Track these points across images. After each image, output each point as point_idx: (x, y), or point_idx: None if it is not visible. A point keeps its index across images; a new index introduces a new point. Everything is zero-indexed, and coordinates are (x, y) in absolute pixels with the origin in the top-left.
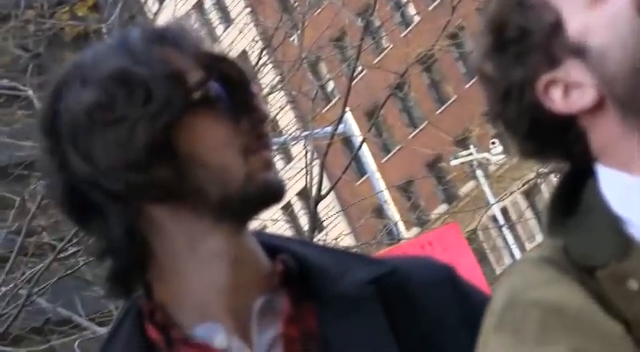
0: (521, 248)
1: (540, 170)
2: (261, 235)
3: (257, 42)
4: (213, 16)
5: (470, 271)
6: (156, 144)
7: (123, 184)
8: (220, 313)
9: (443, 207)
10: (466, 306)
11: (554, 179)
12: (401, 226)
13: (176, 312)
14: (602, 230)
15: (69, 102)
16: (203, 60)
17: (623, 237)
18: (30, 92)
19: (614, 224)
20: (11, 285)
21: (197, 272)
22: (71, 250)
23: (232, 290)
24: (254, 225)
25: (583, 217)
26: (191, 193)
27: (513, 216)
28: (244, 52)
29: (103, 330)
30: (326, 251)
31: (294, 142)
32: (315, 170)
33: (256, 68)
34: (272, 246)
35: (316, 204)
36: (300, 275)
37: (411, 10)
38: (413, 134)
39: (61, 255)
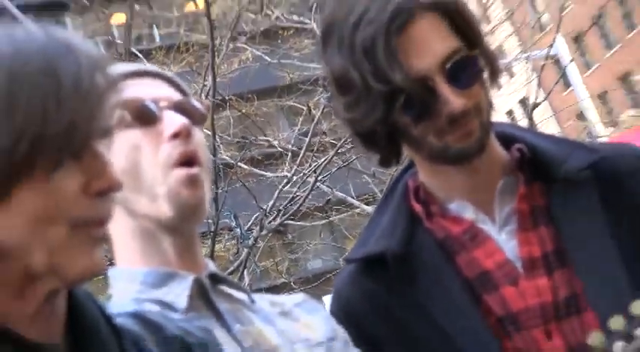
0: None
1: None
2: (501, 126)
3: None
4: None
5: None
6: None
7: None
8: (468, 195)
9: (631, 112)
10: None
11: None
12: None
13: (435, 191)
14: None
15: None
16: None
17: None
18: (314, 25)
19: None
20: (301, 174)
21: (445, 177)
22: (346, 147)
23: (475, 185)
24: None
25: None
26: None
27: None
28: None
29: (369, 208)
30: (552, 139)
31: (515, 63)
32: (533, 84)
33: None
34: (510, 136)
35: (533, 109)
36: (532, 161)
37: None
38: (609, 54)
39: (339, 151)
